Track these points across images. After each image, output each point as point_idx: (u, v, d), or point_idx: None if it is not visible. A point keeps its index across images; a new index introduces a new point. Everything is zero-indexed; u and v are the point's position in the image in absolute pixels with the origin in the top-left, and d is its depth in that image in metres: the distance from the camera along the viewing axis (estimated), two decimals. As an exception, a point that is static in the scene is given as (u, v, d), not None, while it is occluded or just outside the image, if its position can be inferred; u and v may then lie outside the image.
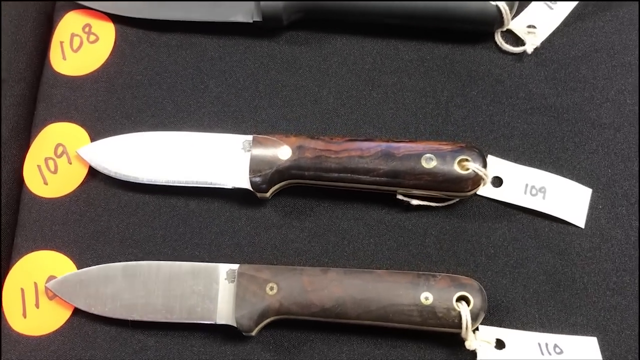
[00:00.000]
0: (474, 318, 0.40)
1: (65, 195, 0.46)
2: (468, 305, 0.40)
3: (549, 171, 0.45)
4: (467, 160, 0.42)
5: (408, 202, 0.44)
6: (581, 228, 0.44)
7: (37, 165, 0.47)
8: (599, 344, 0.41)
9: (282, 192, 0.45)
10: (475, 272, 0.43)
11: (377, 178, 0.43)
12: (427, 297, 0.40)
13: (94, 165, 0.46)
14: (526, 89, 0.48)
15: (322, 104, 0.48)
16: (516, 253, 0.44)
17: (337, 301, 0.40)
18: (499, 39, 0.48)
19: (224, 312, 0.41)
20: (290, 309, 0.40)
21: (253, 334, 0.41)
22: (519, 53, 0.48)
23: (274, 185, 0.43)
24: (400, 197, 0.44)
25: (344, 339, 0.42)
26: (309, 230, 0.45)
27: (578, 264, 0.44)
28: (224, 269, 0.42)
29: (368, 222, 0.45)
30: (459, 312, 0.39)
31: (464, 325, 0.39)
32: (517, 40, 0.48)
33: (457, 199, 0.44)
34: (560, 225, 0.44)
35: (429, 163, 0.42)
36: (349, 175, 0.43)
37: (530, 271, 0.44)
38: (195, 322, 0.42)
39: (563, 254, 0.44)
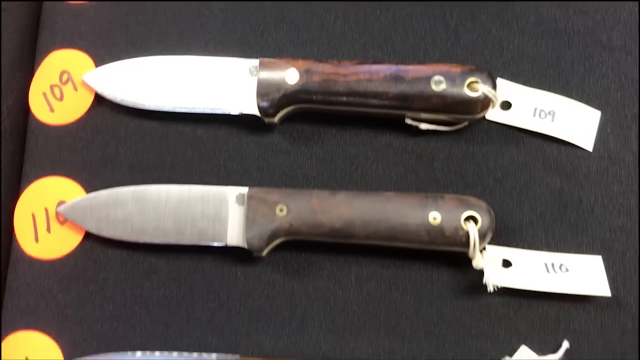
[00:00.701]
0: (482, 237, 0.40)
1: (72, 122, 0.46)
2: (476, 225, 0.40)
3: (559, 94, 0.45)
4: (476, 82, 0.41)
5: (417, 127, 0.44)
6: (589, 151, 0.44)
7: (43, 93, 0.47)
8: (604, 262, 0.42)
9: (290, 119, 0.45)
10: (483, 195, 0.43)
11: (386, 102, 0.42)
12: (435, 217, 0.40)
13: (99, 91, 0.45)
14: (537, 13, 0.47)
15: (330, 29, 0.47)
16: (524, 176, 0.44)
17: (346, 222, 0.40)
18: (509, -40, 0.47)
19: (234, 234, 0.42)
20: (300, 229, 0.41)
21: (263, 254, 0.42)
22: (530, -25, 0.47)
23: (281, 110, 0.43)
24: (409, 121, 0.44)
25: (353, 260, 0.43)
26: (318, 156, 0.45)
27: (585, 187, 0.44)
28: (233, 192, 0.42)
29: (376, 147, 0.45)
30: (467, 231, 0.40)
31: (471, 245, 0.40)
32: (529, -39, 0.47)
33: (466, 123, 0.44)
34: (569, 148, 0.44)
35: (439, 86, 0.42)
36: (358, 99, 0.43)
37: (537, 193, 0.44)
38: (205, 244, 0.42)
39: (571, 177, 0.44)
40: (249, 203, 0.41)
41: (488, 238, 0.41)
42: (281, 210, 0.41)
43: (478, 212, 0.40)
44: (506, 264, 0.42)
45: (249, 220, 0.41)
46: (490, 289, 0.40)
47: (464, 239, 0.40)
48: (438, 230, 0.40)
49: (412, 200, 0.41)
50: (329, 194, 0.41)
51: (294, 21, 0.47)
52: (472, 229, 0.40)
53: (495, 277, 0.41)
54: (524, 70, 0.46)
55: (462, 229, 0.40)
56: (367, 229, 0.40)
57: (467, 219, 0.40)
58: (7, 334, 0.43)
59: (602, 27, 0.46)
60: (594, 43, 0.46)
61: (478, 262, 0.41)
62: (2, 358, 0.42)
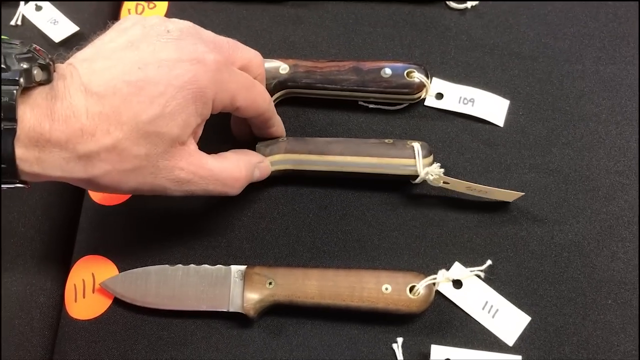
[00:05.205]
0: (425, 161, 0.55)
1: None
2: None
3: (478, 88, 0.61)
4: (413, 71, 0.58)
5: (366, 106, 0.61)
6: (501, 127, 0.60)
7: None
8: (519, 200, 0.56)
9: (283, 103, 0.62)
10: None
11: (347, 86, 0.59)
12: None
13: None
14: (467, 33, 0.64)
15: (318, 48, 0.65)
16: (456, 144, 0.59)
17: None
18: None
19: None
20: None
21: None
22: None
23: (276, 92, 0.60)
24: (361, 102, 0.61)
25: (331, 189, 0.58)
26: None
27: (502, 151, 0.59)
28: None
29: (339, 123, 0.61)
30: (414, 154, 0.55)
31: (416, 159, 0.54)
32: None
33: (406, 103, 0.60)
34: (487, 125, 0.60)
35: (386, 74, 0.58)
36: (329, 85, 0.59)
37: (467, 157, 0.59)
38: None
39: (491, 144, 0.59)
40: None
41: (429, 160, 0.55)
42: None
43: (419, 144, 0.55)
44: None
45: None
46: (430, 181, 0.55)
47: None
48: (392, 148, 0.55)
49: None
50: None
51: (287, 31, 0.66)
52: (416, 146, 0.55)
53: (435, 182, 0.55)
54: (456, 73, 0.62)
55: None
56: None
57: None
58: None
59: (516, 42, 0.64)
60: (509, 54, 0.63)
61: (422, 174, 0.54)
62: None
